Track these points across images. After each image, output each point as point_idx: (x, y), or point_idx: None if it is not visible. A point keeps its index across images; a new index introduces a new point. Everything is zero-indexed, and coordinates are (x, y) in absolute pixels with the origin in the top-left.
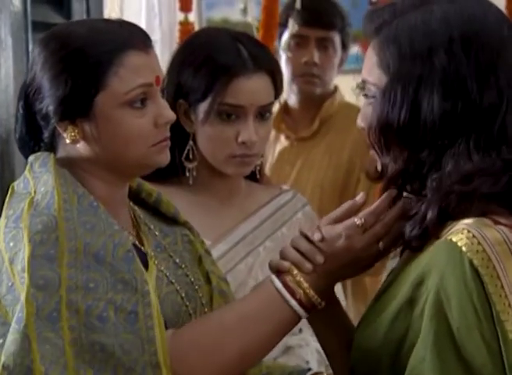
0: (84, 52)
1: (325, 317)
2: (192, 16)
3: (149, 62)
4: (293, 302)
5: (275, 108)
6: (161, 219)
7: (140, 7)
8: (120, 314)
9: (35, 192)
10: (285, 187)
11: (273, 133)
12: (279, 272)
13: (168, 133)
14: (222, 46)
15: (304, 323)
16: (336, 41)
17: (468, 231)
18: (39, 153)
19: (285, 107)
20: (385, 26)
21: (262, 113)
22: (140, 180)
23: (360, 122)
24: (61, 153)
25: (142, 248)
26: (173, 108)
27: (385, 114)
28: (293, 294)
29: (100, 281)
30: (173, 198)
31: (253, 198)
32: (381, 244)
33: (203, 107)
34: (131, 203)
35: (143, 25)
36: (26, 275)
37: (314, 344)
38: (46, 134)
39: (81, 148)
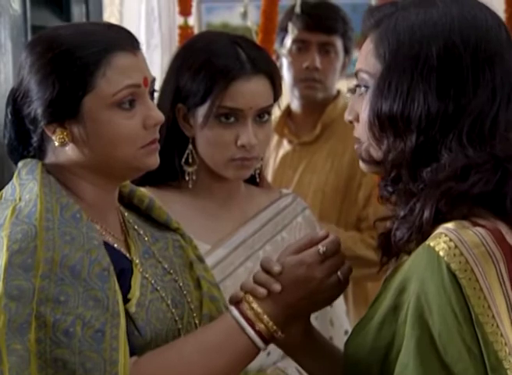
0: (71, 54)
1: (307, 352)
2: (191, 20)
3: (137, 64)
4: (252, 333)
5: (278, 112)
6: (153, 224)
7: (140, 11)
8: (87, 331)
9: (20, 199)
10: (285, 191)
11: (276, 138)
12: (237, 303)
13: (157, 135)
14: (220, 50)
15: None
16: (338, 45)
17: (446, 235)
18: (28, 159)
19: (288, 112)
20: (385, 19)
21: (261, 116)
22: (133, 185)
23: (348, 115)
24: (50, 157)
25: (128, 254)
26: (172, 112)
27: (379, 103)
28: (251, 324)
29: (72, 295)
30: (173, 202)
31: (253, 202)
32: (339, 274)
33: (202, 111)
34: (121, 208)
35: (142, 29)
36: (1, 284)
37: None
38: (35, 138)
39: (70, 150)
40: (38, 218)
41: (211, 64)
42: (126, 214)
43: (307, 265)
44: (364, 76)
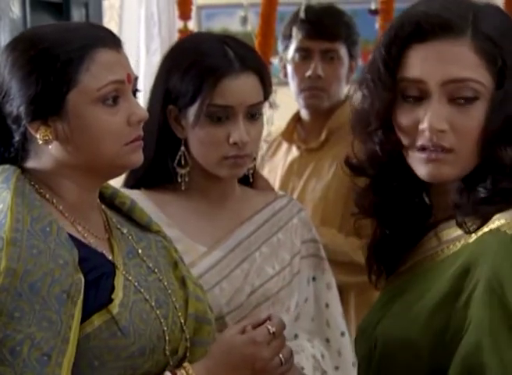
0: (55, 50)
1: None
2: (191, 24)
3: (120, 60)
4: None
5: (285, 118)
6: (135, 225)
7: (140, 15)
8: (34, 352)
9: None
10: (280, 192)
11: (286, 144)
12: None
13: (141, 132)
14: (208, 49)
15: (299, 328)
16: (342, 51)
17: (505, 219)
18: (6, 166)
19: (297, 117)
20: (468, 24)
21: (252, 113)
22: (115, 187)
23: (441, 124)
24: (32, 157)
25: (110, 256)
26: (163, 114)
27: (498, 115)
28: None
29: (27, 312)
30: (168, 204)
31: (248, 204)
32: (281, 356)
33: (192, 110)
34: (104, 207)
35: (142, 33)
36: None
37: (310, 350)
38: (17, 138)
39: (53, 149)
40: (7, 230)
41: (199, 63)
42: (108, 213)
43: (257, 344)
44: (476, 86)
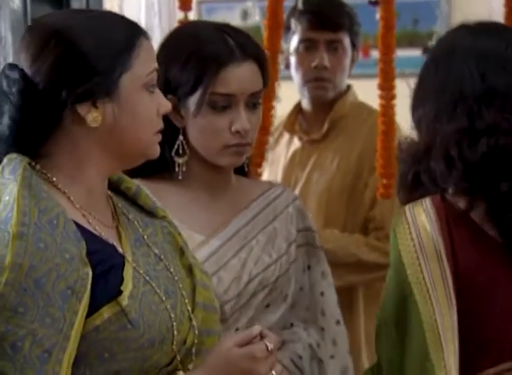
0: (112, 34)
1: None
2: (192, 15)
3: (153, 50)
4: None
5: (286, 110)
6: (140, 210)
7: (140, 6)
8: (35, 349)
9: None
10: (274, 181)
11: (287, 135)
12: None
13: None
14: (207, 37)
15: (295, 317)
16: (346, 41)
17: None
18: (13, 156)
19: (298, 109)
20: None
21: (254, 102)
22: (121, 173)
23: None
24: (59, 140)
25: (120, 247)
26: None
27: None
28: None
29: (30, 308)
30: (165, 193)
31: (244, 193)
32: (274, 373)
33: (193, 99)
34: (110, 193)
35: (142, 24)
36: None
37: (306, 339)
38: (54, 119)
39: (95, 132)
40: (13, 224)
41: (199, 52)
42: (114, 198)
43: (255, 359)
44: None
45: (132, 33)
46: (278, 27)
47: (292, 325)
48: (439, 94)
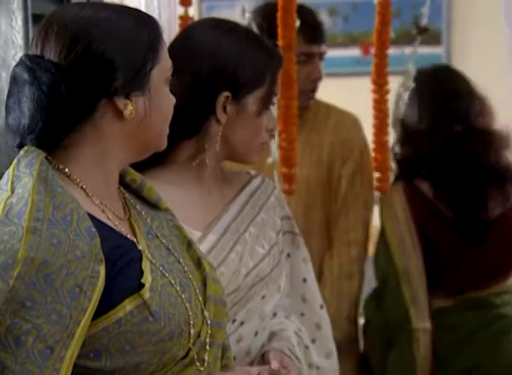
0: (142, 28)
1: None
2: (192, 13)
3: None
4: None
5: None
6: (145, 203)
7: (140, 1)
8: (38, 344)
9: (12, 192)
10: (252, 171)
11: None
12: None
13: None
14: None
15: (278, 307)
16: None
17: None
18: (31, 148)
19: None
20: None
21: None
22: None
23: None
24: (84, 132)
25: (134, 239)
26: (211, 101)
27: None
28: None
29: (38, 303)
30: (159, 188)
31: (229, 184)
32: None
33: (253, 99)
34: (120, 187)
35: None
36: None
37: (291, 326)
38: (87, 111)
39: (123, 124)
40: (27, 219)
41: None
42: (122, 190)
43: None
44: None
45: (156, 26)
46: (291, 25)
47: (275, 314)
48: None
